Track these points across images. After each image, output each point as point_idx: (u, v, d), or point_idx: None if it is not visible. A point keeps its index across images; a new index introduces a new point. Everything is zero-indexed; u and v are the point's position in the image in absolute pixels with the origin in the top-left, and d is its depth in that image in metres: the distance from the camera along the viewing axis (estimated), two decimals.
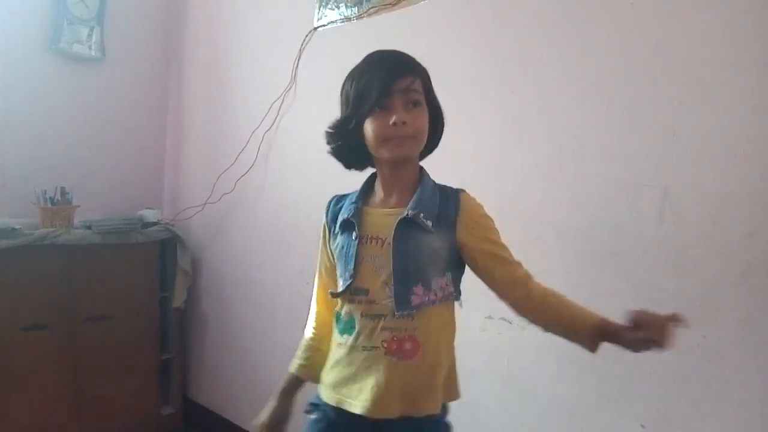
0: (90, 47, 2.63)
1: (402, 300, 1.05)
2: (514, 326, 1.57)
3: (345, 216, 1.13)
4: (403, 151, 1.06)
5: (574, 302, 1.05)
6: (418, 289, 1.05)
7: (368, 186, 1.18)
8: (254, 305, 2.51)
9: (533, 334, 1.54)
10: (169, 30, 2.96)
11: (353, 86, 1.09)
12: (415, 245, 1.05)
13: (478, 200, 1.13)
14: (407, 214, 1.06)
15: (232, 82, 2.63)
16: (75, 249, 2.32)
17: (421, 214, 1.05)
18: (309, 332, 1.26)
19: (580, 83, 1.49)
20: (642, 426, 1.36)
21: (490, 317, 1.62)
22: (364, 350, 1.07)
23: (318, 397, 1.16)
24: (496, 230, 1.12)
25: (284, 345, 2.34)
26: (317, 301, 1.26)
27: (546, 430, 1.54)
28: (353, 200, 1.15)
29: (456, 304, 1.15)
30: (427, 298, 1.06)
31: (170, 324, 2.73)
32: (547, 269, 1.51)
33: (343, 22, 2.09)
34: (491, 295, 1.63)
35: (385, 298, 1.06)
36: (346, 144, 1.13)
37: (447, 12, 1.78)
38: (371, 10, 1.98)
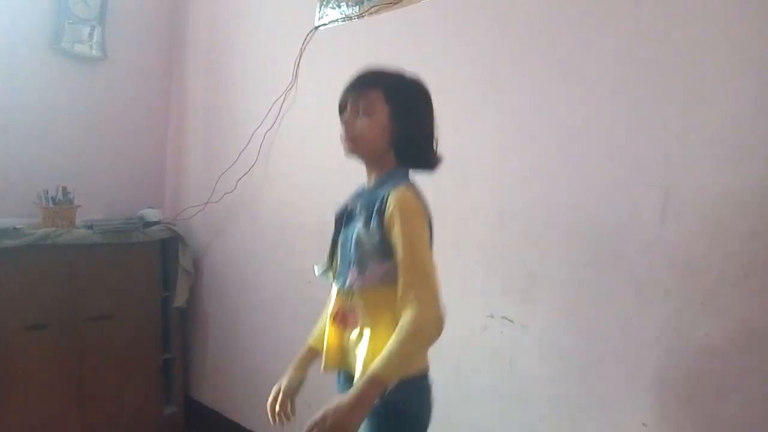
0: (91, 47, 2.63)
1: (340, 278, 1.26)
2: (516, 325, 1.57)
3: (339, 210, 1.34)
4: (346, 149, 1.24)
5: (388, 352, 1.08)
6: (353, 272, 1.21)
7: None
8: (256, 304, 2.51)
9: (535, 333, 1.55)
10: (171, 29, 2.96)
11: None
12: (352, 233, 1.22)
13: (409, 194, 1.16)
14: (346, 206, 1.27)
15: (234, 81, 2.63)
16: (77, 249, 2.32)
17: (357, 206, 1.23)
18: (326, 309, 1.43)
19: (581, 83, 1.49)
20: (643, 424, 1.36)
21: (491, 316, 1.62)
22: (329, 319, 1.30)
23: None
24: (410, 226, 1.14)
25: (286, 343, 2.35)
26: None
27: (547, 428, 1.54)
28: (358, 192, 1.33)
29: None
30: (360, 281, 1.20)
31: (172, 323, 2.74)
32: (549, 269, 1.52)
33: (345, 21, 2.09)
34: (492, 294, 1.64)
35: None
36: None
37: (448, 11, 1.78)
38: (372, 9, 1.98)
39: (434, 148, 1.26)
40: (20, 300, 2.21)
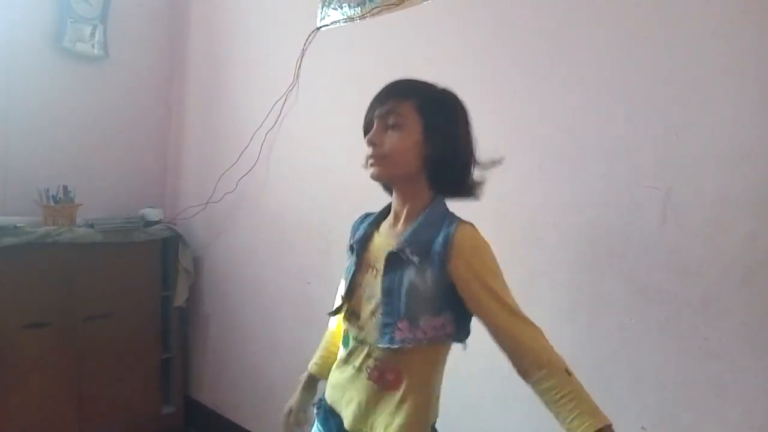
0: (93, 46, 2.64)
1: (384, 333, 1.04)
2: None
3: (354, 238, 1.17)
4: (374, 171, 1.07)
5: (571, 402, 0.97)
6: (403, 325, 1.03)
7: (387, 210, 1.17)
8: (255, 304, 2.52)
9: None
10: (172, 29, 2.97)
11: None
12: (400, 280, 1.04)
13: (479, 236, 1.06)
14: (394, 249, 1.05)
15: (235, 81, 2.64)
16: (77, 247, 2.33)
17: (408, 249, 1.03)
18: (327, 334, 1.36)
19: (582, 84, 1.49)
20: (643, 428, 1.36)
21: None
22: (353, 369, 1.12)
23: (324, 393, 1.24)
24: (494, 272, 1.04)
25: (285, 344, 2.35)
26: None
27: (546, 431, 1.54)
28: (369, 222, 1.17)
29: (460, 345, 1.11)
30: (412, 335, 1.03)
31: (171, 323, 2.74)
32: (549, 270, 1.52)
33: (346, 22, 2.09)
34: None
35: (372, 327, 1.08)
36: None
37: (450, 12, 1.78)
38: (374, 10, 1.98)
39: (472, 171, 1.11)
40: (20, 298, 2.21)
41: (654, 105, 1.36)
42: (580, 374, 1.47)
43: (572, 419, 0.94)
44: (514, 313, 1.04)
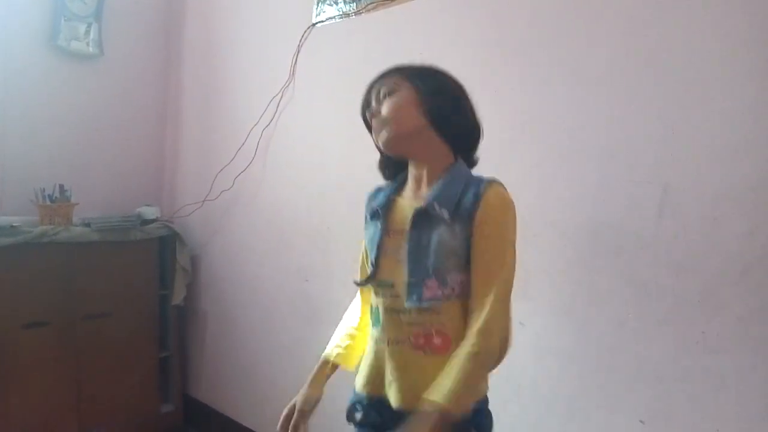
0: (88, 44, 2.62)
1: (413, 292, 1.04)
2: (514, 322, 1.57)
3: (374, 206, 1.15)
4: (383, 138, 1.09)
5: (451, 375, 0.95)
6: (432, 282, 1.03)
7: (404, 179, 1.17)
8: (253, 302, 2.51)
9: (533, 330, 1.55)
10: (168, 26, 2.96)
11: None
12: (429, 237, 1.03)
13: (508, 195, 1.06)
14: (422, 205, 1.05)
15: (231, 78, 2.63)
16: (74, 246, 2.32)
17: (436, 204, 1.03)
18: (349, 318, 1.27)
19: (579, 81, 1.48)
20: (641, 422, 1.36)
21: None
22: (392, 344, 1.08)
23: (354, 392, 1.17)
24: (506, 240, 1.03)
25: (283, 341, 2.35)
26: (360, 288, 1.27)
27: (546, 426, 1.54)
28: (387, 192, 1.16)
29: None
30: (441, 293, 1.03)
31: (169, 321, 2.74)
32: (547, 267, 1.52)
33: (342, 18, 2.08)
34: None
35: (404, 292, 1.05)
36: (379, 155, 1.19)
37: (445, 8, 1.77)
38: (369, 6, 1.97)
39: (479, 126, 1.13)
40: (18, 298, 2.21)
41: (651, 101, 1.36)
42: (579, 369, 1.48)
43: (435, 383, 0.95)
44: (500, 284, 1.01)
